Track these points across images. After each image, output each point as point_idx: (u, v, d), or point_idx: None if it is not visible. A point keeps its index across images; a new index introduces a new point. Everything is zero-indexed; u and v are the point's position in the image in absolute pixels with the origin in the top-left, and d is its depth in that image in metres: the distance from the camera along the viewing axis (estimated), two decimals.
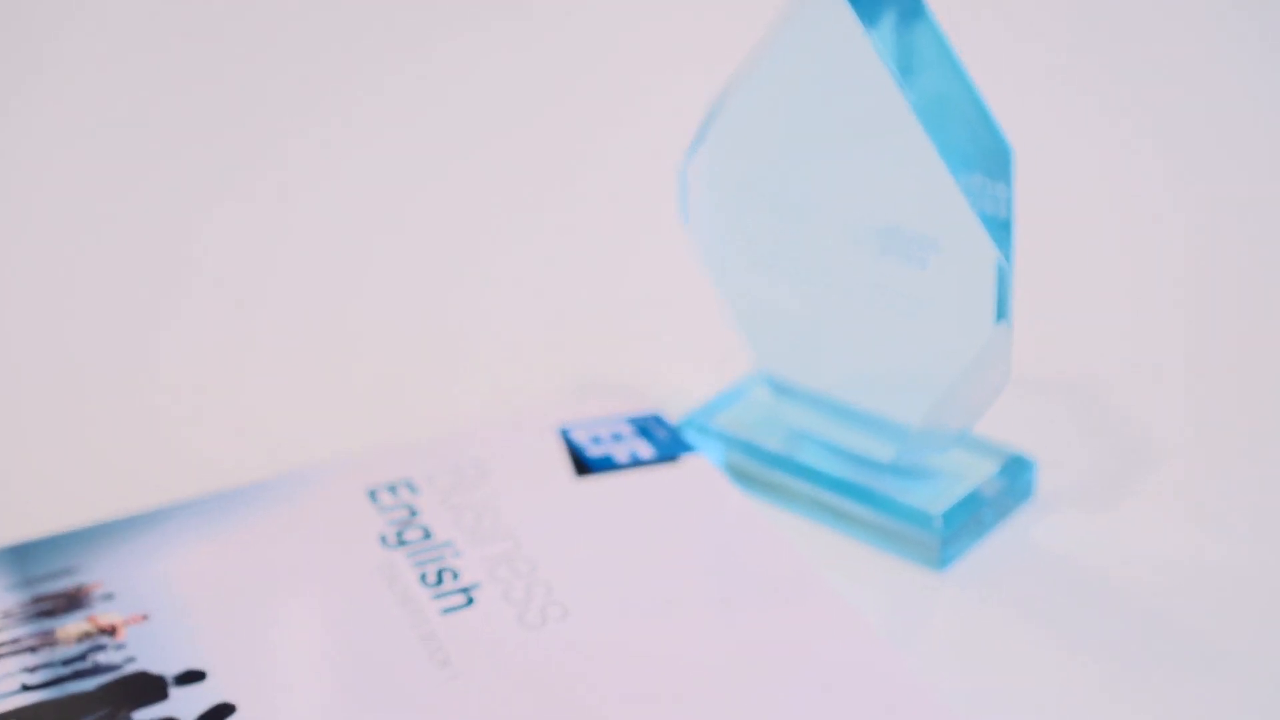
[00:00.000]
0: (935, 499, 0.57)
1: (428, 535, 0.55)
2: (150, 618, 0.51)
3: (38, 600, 0.52)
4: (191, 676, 0.48)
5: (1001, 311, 0.52)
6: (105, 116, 0.97)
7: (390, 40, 1.05)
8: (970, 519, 0.57)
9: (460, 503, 0.57)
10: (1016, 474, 0.59)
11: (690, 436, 0.62)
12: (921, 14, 0.51)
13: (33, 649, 0.49)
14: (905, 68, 0.52)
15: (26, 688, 0.47)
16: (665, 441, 0.61)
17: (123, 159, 0.92)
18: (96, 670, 0.48)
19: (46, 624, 0.50)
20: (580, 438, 0.61)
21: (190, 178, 0.90)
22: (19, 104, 0.98)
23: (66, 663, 0.49)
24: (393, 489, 0.57)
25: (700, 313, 0.69)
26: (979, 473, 0.59)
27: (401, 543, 0.55)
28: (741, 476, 0.61)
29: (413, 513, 0.56)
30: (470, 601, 0.51)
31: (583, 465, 0.59)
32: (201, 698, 0.47)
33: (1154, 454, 0.63)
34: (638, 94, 0.98)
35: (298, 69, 1.02)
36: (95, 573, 0.53)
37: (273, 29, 1.07)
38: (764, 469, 0.61)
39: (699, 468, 0.59)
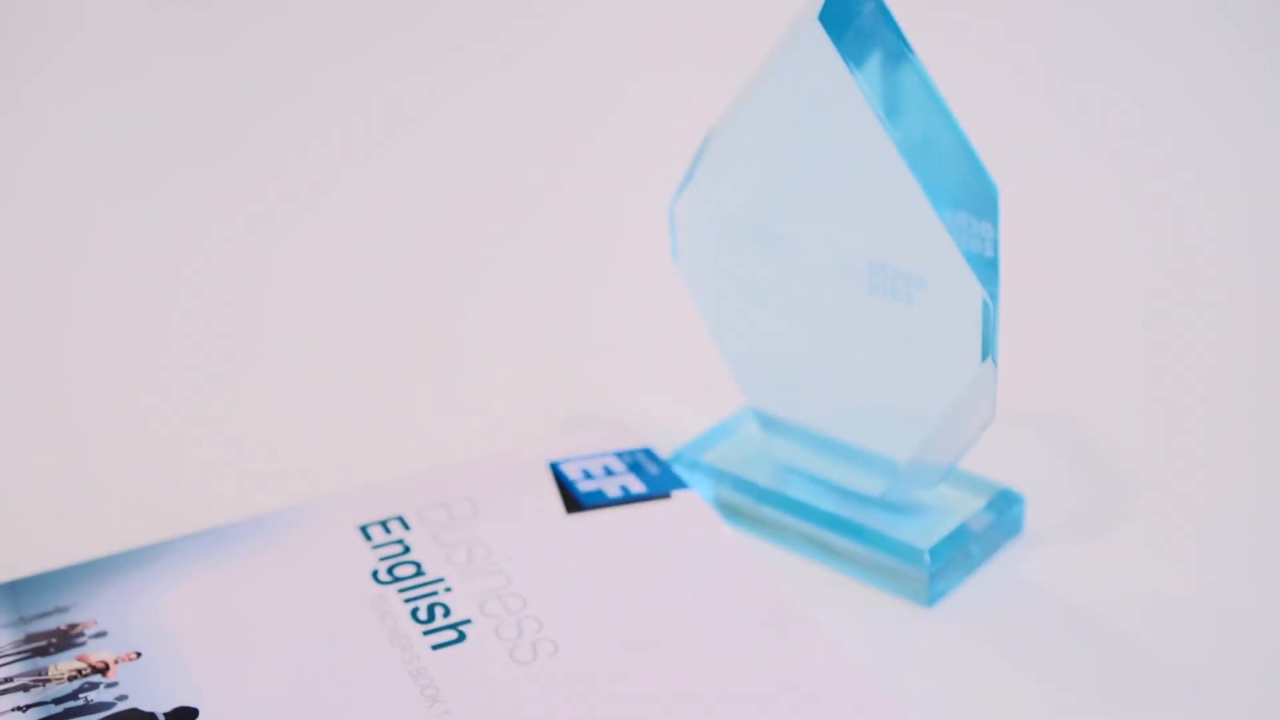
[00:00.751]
0: (924, 534, 0.57)
1: (419, 571, 0.55)
2: (143, 655, 0.51)
3: (30, 639, 0.52)
4: (184, 714, 0.48)
5: (988, 349, 0.52)
6: (100, 147, 0.98)
7: (369, 73, 1.06)
8: (959, 554, 0.57)
9: (451, 539, 0.57)
10: (1005, 509, 0.59)
11: (681, 471, 0.62)
12: (907, 56, 0.52)
13: (25, 688, 0.49)
14: (891, 108, 0.53)
15: None
16: (656, 477, 0.61)
17: (114, 186, 0.93)
18: (88, 708, 0.48)
19: (39, 662, 0.51)
20: (571, 472, 0.61)
21: (165, 215, 0.90)
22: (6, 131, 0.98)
23: (58, 701, 0.49)
24: (384, 525, 0.58)
25: (691, 349, 0.70)
26: (967, 508, 0.59)
27: (393, 578, 0.55)
28: (732, 511, 0.62)
29: (404, 548, 0.56)
30: (461, 637, 0.52)
31: (574, 500, 0.59)
32: None
33: (1142, 489, 0.64)
34: (627, 131, 0.98)
35: (279, 95, 1.03)
36: (88, 611, 0.53)
37: (248, 57, 1.07)
38: (754, 504, 0.61)
39: (690, 503, 0.60)
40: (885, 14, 0.52)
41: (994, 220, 0.52)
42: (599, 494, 0.60)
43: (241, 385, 0.74)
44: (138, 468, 0.68)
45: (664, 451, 0.64)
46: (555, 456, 0.62)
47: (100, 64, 1.06)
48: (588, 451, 0.63)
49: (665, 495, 0.60)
